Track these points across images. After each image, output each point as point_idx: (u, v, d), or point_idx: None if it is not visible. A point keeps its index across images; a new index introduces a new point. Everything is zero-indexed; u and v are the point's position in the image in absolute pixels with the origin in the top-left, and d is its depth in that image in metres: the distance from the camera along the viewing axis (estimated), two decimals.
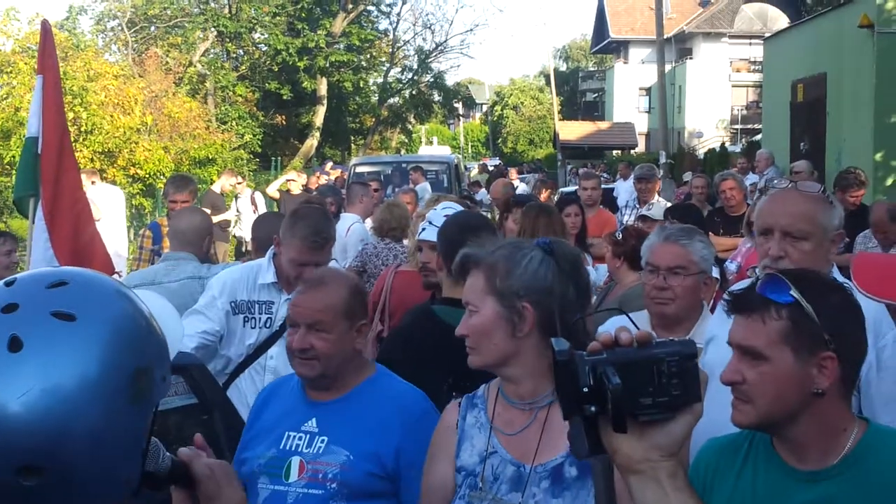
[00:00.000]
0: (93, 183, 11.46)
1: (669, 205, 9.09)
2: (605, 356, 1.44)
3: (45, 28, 5.99)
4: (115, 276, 5.83)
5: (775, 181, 3.14)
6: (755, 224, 3.08)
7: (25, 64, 18.49)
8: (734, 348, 2.03)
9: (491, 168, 36.95)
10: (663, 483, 1.46)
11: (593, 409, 1.42)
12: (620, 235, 5.32)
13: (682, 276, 3.40)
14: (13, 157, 16.31)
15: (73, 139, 7.62)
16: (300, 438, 2.81)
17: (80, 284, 1.34)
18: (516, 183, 21.30)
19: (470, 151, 71.64)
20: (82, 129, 17.71)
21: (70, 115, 15.61)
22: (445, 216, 4.04)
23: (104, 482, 1.27)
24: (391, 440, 2.74)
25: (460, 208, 4.52)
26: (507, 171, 29.11)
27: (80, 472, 1.24)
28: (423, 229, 4.37)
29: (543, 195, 10.14)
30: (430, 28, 48.99)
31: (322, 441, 2.79)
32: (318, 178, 19.35)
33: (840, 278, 2.84)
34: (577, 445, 1.50)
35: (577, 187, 11.63)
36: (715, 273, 3.93)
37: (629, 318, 1.66)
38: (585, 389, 1.42)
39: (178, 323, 1.62)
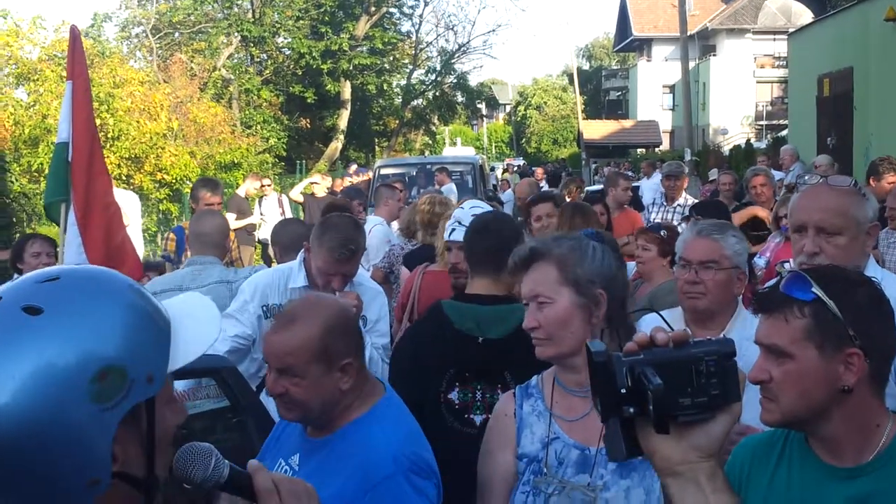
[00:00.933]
0: None
1: (696, 201, 9.06)
2: (643, 356, 1.42)
3: (74, 34, 5.99)
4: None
5: (806, 177, 3.11)
6: (789, 221, 3.06)
7: (52, 71, 18.63)
8: (760, 347, 2.02)
9: (515, 168, 36.94)
10: (703, 485, 1.44)
11: (632, 410, 1.40)
12: (665, 234, 5.29)
13: (714, 270, 3.38)
14: (41, 164, 16.45)
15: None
16: (284, 471, 2.60)
17: (71, 280, 1.33)
18: (543, 182, 21.31)
19: (494, 152, 71.50)
20: (109, 135, 17.82)
21: (97, 122, 15.68)
22: (473, 216, 4.02)
23: (56, 480, 1.25)
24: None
25: (488, 207, 4.50)
26: (534, 171, 29.09)
27: (24, 465, 1.23)
28: (453, 230, 4.36)
29: (573, 194, 10.15)
30: (452, 29, 49.16)
31: None
32: (343, 181, 19.36)
33: (877, 271, 2.80)
34: (614, 448, 1.49)
35: (602, 186, 11.59)
36: None
37: (662, 317, 1.64)
38: (623, 391, 1.40)
39: (211, 324, 1.51)
